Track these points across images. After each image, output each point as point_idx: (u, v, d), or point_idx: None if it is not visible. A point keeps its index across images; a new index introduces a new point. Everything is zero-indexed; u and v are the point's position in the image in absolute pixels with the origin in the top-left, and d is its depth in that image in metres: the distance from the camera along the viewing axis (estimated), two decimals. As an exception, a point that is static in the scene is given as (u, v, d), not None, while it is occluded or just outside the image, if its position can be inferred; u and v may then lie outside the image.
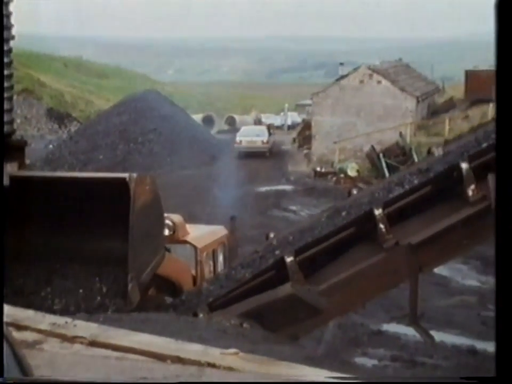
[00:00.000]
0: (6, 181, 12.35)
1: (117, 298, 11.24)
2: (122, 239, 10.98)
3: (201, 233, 15.44)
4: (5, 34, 16.08)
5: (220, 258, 15.63)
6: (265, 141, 53.54)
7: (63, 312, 11.76)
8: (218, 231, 16.42)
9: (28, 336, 5.41)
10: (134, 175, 11.30)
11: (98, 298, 11.42)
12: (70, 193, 11.98)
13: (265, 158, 52.06)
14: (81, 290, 11.51)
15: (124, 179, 11.30)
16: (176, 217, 14.47)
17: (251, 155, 51.43)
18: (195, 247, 14.71)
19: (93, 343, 5.29)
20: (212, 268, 15.21)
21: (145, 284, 11.58)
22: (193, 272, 14.55)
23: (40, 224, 12.01)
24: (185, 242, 14.57)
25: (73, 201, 11.94)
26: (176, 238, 14.12)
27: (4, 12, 15.89)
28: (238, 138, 53.58)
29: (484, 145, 12.54)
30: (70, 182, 13.28)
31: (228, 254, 15.95)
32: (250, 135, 53.91)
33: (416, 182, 12.33)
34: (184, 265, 14.37)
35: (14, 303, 12.09)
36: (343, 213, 12.57)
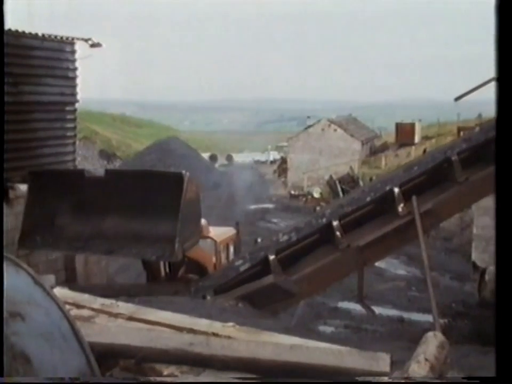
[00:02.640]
0: (101, 173, 12.31)
1: (166, 251, 11.20)
2: (174, 218, 10.96)
3: (218, 232, 15.46)
4: (71, 98, 16.09)
5: (231, 250, 15.64)
6: (252, 160, 70.25)
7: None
8: (230, 231, 16.39)
9: (84, 313, 5.33)
10: (188, 173, 11.33)
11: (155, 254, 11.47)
12: (140, 183, 11.85)
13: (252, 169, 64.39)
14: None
15: (180, 173, 11.34)
16: (202, 220, 14.51)
17: (243, 167, 63.29)
18: (215, 241, 14.72)
19: (131, 318, 5.22)
20: (226, 256, 15.22)
21: (185, 250, 11.56)
22: (213, 259, 14.56)
23: (117, 205, 11.96)
24: (208, 237, 14.57)
25: (141, 189, 11.76)
26: (202, 235, 14.14)
27: (71, 84, 15.87)
28: (237, 160, 70.48)
29: (411, 175, 12.59)
30: (142, 174, 13.11)
31: (236, 247, 15.98)
32: (244, 158, 71.94)
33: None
34: (208, 253, 14.41)
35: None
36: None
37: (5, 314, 2.72)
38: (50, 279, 10.43)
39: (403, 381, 3.75)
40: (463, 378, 4.19)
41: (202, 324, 4.94)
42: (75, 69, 15.92)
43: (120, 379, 3.83)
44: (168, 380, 3.86)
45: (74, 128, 16.46)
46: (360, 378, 3.81)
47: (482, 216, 21.06)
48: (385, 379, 3.78)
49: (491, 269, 16.05)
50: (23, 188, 13.62)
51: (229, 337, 4.50)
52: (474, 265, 21.08)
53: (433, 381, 3.92)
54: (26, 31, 14.24)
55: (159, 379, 3.85)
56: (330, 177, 46.77)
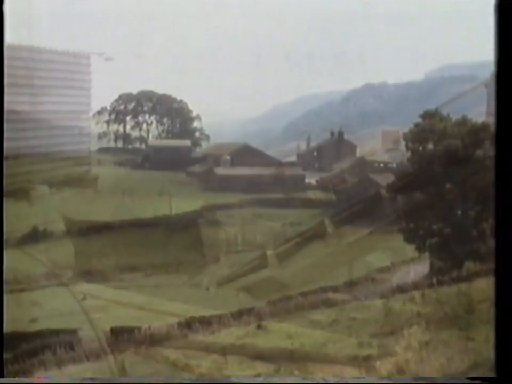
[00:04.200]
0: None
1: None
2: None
3: None
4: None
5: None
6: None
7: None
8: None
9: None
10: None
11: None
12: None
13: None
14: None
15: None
16: None
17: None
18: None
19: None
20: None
21: None
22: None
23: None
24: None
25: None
26: None
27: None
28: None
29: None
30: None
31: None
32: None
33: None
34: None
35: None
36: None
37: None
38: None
39: (404, 381, 3.65)
40: (468, 378, 4.00)
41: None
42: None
43: (134, 377, 3.81)
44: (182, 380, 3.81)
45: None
46: (360, 379, 3.71)
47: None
48: (387, 378, 3.68)
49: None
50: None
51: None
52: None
53: (434, 381, 3.81)
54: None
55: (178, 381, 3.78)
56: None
